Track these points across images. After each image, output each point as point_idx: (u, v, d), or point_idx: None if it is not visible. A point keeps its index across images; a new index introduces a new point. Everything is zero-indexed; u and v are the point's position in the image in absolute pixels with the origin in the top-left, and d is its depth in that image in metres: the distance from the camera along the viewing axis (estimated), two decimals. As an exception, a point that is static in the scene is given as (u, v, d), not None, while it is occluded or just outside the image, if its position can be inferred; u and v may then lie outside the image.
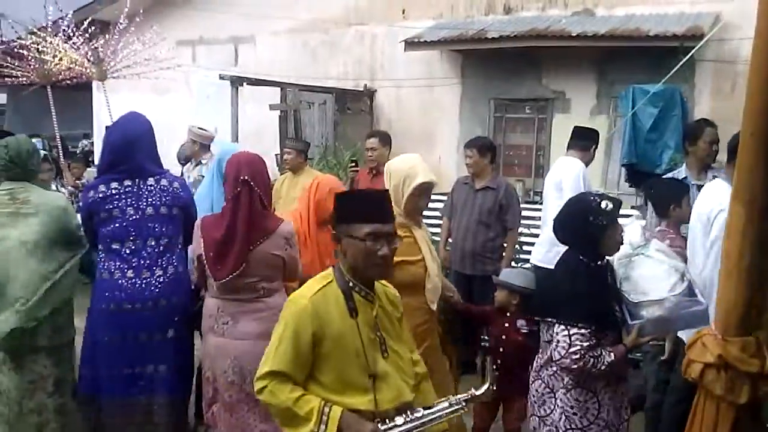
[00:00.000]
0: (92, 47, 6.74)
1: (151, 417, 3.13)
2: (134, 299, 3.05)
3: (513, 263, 4.87)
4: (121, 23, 7.00)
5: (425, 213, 3.30)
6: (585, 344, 2.56)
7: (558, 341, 2.62)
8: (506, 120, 8.47)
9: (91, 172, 6.09)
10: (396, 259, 2.92)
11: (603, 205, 2.66)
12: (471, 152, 4.71)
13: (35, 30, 6.72)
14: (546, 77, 8.06)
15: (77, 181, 6.74)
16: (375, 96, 9.30)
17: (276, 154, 7.46)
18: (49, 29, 6.56)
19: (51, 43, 6.47)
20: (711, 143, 4.01)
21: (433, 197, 3.22)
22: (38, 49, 6.42)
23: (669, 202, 3.45)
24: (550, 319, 2.71)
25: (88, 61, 6.76)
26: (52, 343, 3.19)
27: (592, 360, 2.56)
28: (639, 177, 6.51)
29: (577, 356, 2.56)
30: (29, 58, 6.47)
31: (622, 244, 2.77)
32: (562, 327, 2.61)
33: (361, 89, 9.24)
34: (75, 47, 6.64)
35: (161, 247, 3.13)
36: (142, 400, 3.10)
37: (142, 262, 3.09)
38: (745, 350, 1.94)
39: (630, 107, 6.52)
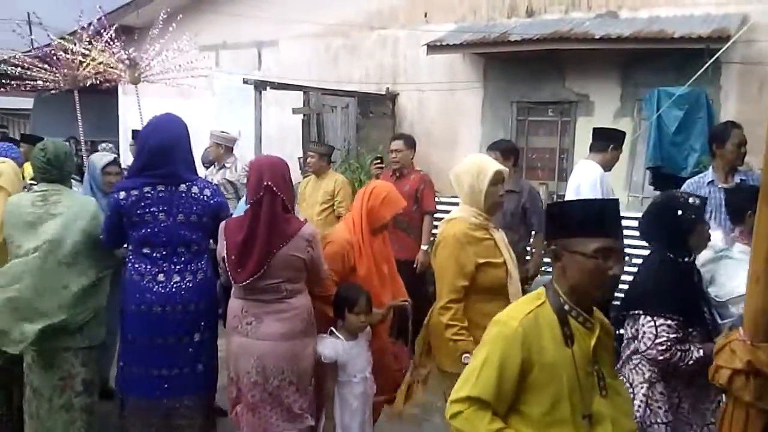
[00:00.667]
0: (126, 50, 6.79)
1: (173, 419, 3.15)
2: (164, 302, 3.08)
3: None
4: (155, 29, 7.04)
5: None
6: (672, 336, 2.52)
7: (644, 332, 2.58)
8: (529, 123, 8.41)
9: (116, 176, 6.15)
10: (480, 260, 2.85)
11: (691, 200, 2.68)
12: (494, 155, 4.66)
13: (68, 34, 6.81)
14: (569, 80, 7.99)
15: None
16: (397, 99, 9.29)
17: (299, 158, 7.50)
18: (78, 32, 6.63)
19: (83, 45, 6.52)
20: (739, 145, 3.97)
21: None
22: (70, 50, 6.47)
23: (747, 209, 3.39)
24: (635, 312, 2.66)
25: (123, 64, 6.82)
26: (80, 344, 3.24)
27: (679, 353, 2.52)
28: (664, 180, 6.44)
29: (664, 347, 2.51)
30: (59, 61, 6.53)
31: (709, 240, 2.76)
32: (648, 318, 2.57)
33: (384, 93, 9.24)
34: (109, 49, 6.69)
35: (191, 253, 3.16)
36: (166, 402, 3.13)
37: (173, 267, 3.11)
38: (775, 356, 1.90)
39: (655, 110, 6.45)
